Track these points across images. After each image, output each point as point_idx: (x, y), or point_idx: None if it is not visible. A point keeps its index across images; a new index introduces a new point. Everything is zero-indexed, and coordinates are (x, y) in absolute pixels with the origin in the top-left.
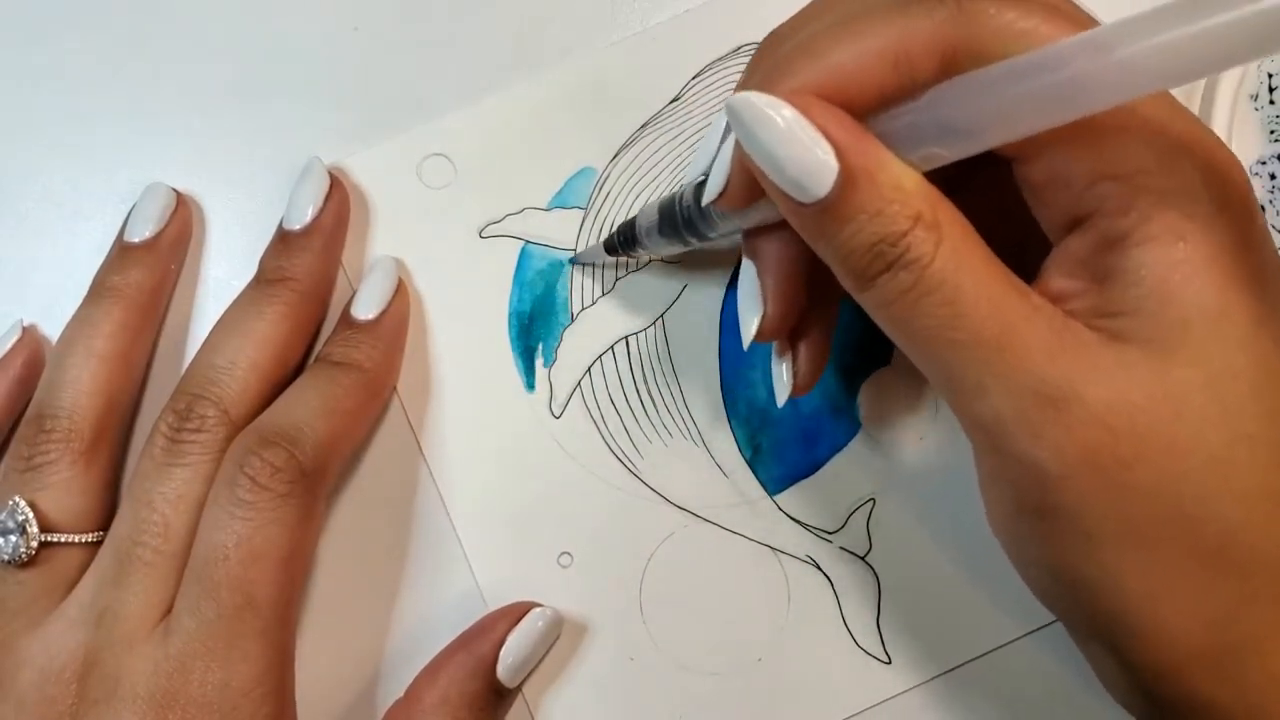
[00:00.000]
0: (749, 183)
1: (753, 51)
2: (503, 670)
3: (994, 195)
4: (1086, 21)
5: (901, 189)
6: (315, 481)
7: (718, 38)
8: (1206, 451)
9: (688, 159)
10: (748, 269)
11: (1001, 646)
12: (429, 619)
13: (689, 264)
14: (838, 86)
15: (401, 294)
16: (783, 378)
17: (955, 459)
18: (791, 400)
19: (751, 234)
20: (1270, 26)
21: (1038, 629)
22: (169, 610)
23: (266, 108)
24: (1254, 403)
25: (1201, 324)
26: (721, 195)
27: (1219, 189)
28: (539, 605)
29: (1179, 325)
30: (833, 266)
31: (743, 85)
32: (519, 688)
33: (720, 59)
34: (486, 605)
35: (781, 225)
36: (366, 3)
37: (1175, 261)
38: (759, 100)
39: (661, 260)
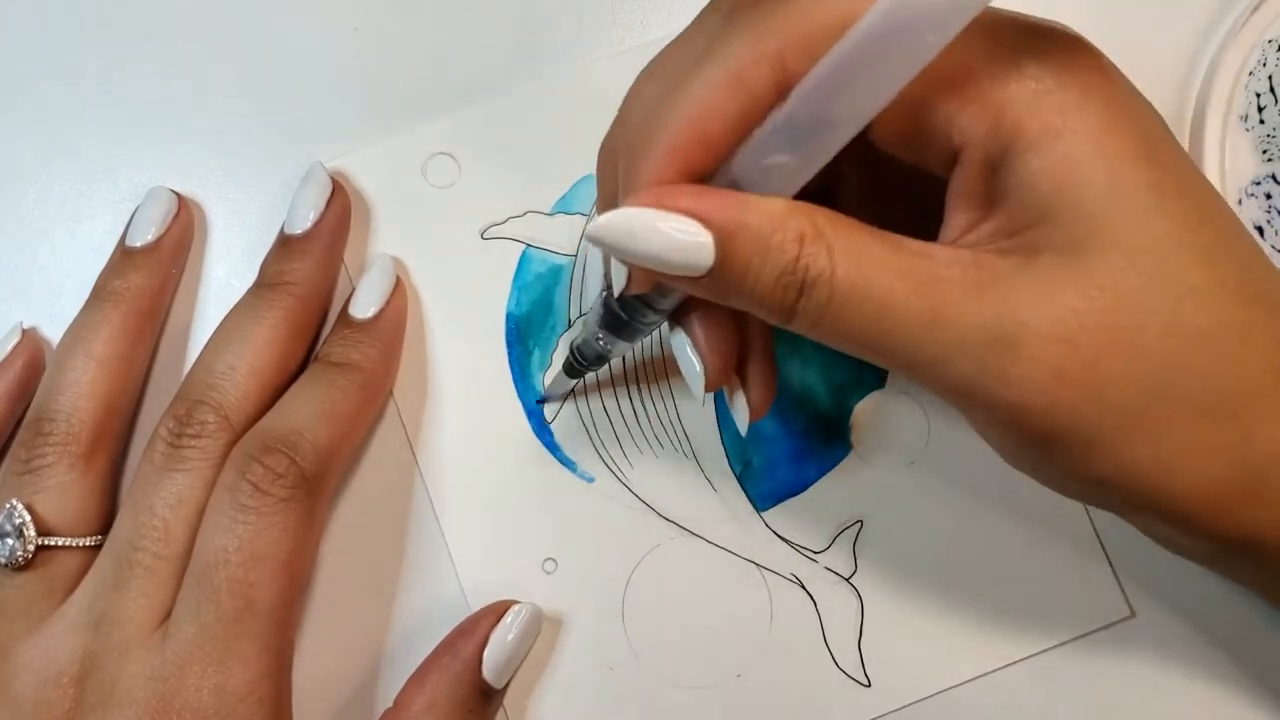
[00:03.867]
0: (646, 270)
1: None
2: (487, 670)
3: (876, 167)
4: None
5: (774, 218)
6: (316, 486)
7: None
8: (1154, 321)
9: None
10: (676, 334)
11: (982, 676)
12: (414, 623)
13: None
14: (693, 140)
15: (399, 292)
16: (740, 408)
17: (945, 484)
18: (781, 419)
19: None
20: None
21: (1019, 660)
22: (168, 615)
23: (267, 109)
24: (1184, 256)
25: (1106, 207)
26: (627, 285)
27: (1076, 74)
28: (518, 602)
29: (1085, 217)
30: (753, 313)
31: (603, 198)
32: (506, 687)
33: None
34: (470, 609)
35: None
36: (366, 3)
37: (1059, 160)
38: (614, 221)
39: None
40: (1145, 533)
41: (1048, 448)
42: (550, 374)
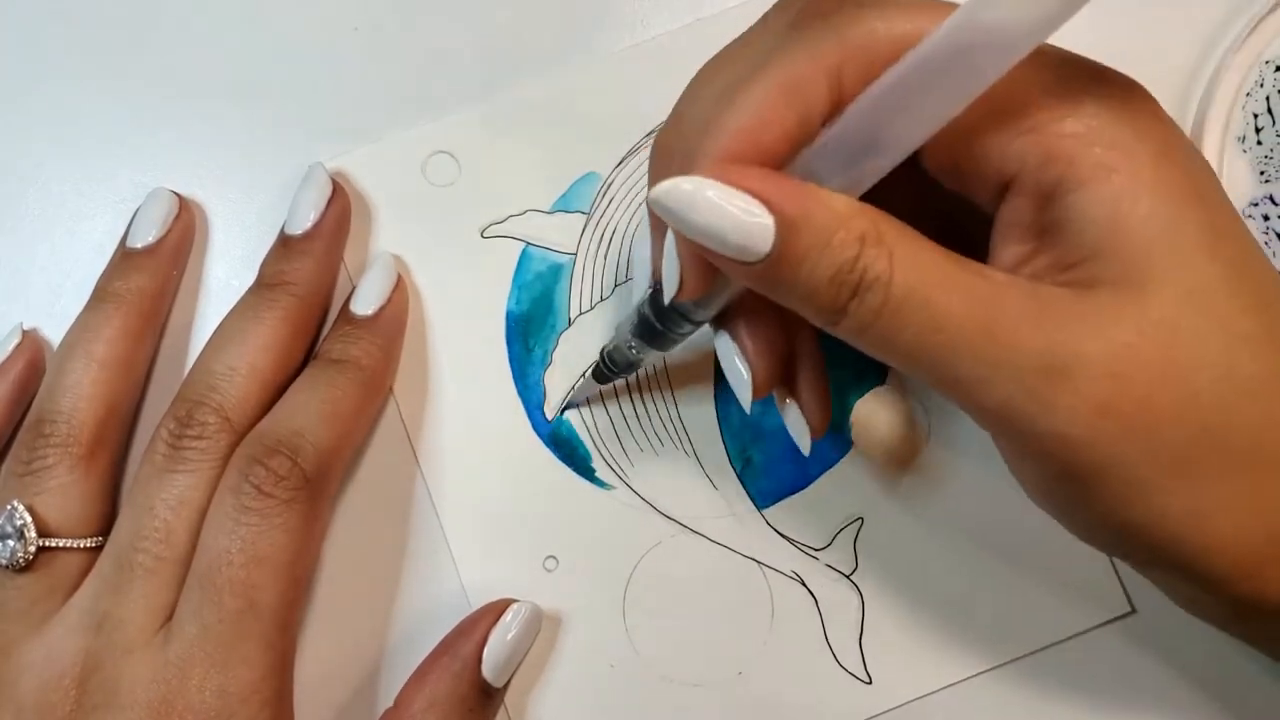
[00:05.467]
0: (701, 270)
1: None
2: (487, 669)
3: (920, 186)
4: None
5: (838, 215)
6: (318, 487)
7: None
8: (1209, 364)
9: None
10: (721, 339)
11: (982, 672)
12: (415, 622)
13: None
14: (747, 146)
15: (400, 290)
16: (798, 426)
17: (946, 481)
18: (783, 415)
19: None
20: None
21: (1020, 657)
22: (169, 616)
23: (267, 109)
24: (1236, 302)
25: (1162, 246)
26: (680, 290)
27: (1130, 114)
28: (517, 601)
29: (1141, 254)
30: (801, 311)
31: (656, 177)
32: (507, 686)
33: None
34: (471, 607)
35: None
36: (366, 3)
37: (1115, 196)
38: (680, 185)
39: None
40: (1164, 589)
41: (1082, 483)
42: (551, 372)
